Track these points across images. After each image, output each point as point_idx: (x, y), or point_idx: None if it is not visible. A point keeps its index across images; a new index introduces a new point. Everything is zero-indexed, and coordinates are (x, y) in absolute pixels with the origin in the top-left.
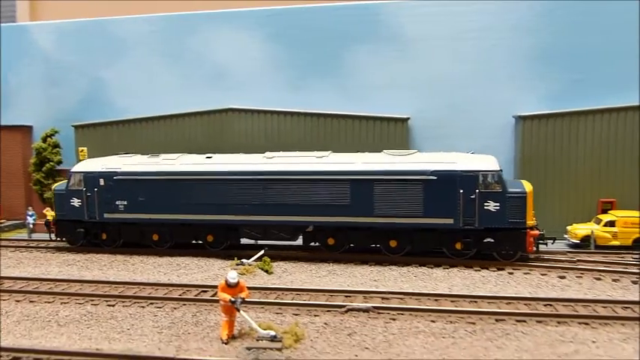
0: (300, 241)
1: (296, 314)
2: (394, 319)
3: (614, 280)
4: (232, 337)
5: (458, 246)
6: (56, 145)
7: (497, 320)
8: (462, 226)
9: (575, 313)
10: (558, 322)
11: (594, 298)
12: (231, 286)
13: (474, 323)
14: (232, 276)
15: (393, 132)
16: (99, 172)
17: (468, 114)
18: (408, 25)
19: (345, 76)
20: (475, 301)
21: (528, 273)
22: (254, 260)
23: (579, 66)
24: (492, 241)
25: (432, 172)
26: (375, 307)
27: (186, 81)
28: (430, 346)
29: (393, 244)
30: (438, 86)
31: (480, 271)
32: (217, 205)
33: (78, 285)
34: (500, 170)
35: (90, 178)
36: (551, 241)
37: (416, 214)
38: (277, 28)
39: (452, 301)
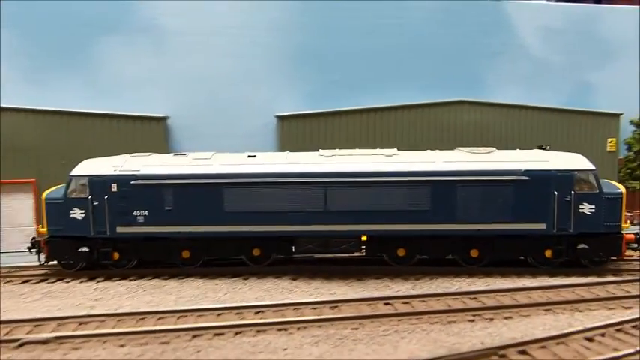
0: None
1: None
2: (77, 349)
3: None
4: None
5: (548, 254)
6: None
7: (193, 336)
8: (556, 231)
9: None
10: (257, 331)
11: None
12: None
13: (167, 342)
14: None
15: (149, 132)
16: (111, 175)
17: (230, 112)
18: (161, 18)
19: (94, 70)
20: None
21: (263, 277)
22: None
23: (334, 67)
24: (587, 247)
25: (525, 172)
26: (57, 337)
27: None
28: None
29: (474, 253)
30: (197, 83)
31: (215, 278)
32: (268, 213)
33: None
34: (596, 170)
35: (98, 182)
36: (637, 245)
37: (504, 220)
38: (9, 12)
39: (158, 318)
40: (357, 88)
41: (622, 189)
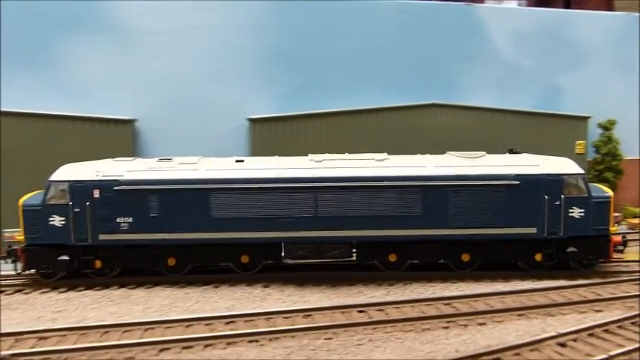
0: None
1: None
2: None
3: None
4: None
5: (538, 257)
6: None
7: (161, 350)
8: (546, 235)
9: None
10: (228, 344)
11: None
12: None
13: (132, 358)
14: None
15: (115, 135)
16: (92, 180)
17: (200, 115)
18: (128, 17)
19: (58, 71)
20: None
21: (234, 285)
22: None
23: (306, 69)
24: (576, 250)
25: (516, 177)
26: (15, 354)
27: None
28: None
29: (465, 258)
30: (166, 85)
31: (184, 287)
32: (257, 219)
33: None
34: (585, 173)
35: (79, 188)
36: (623, 247)
37: (496, 224)
38: None
39: (124, 331)
40: (330, 90)
41: (610, 193)
